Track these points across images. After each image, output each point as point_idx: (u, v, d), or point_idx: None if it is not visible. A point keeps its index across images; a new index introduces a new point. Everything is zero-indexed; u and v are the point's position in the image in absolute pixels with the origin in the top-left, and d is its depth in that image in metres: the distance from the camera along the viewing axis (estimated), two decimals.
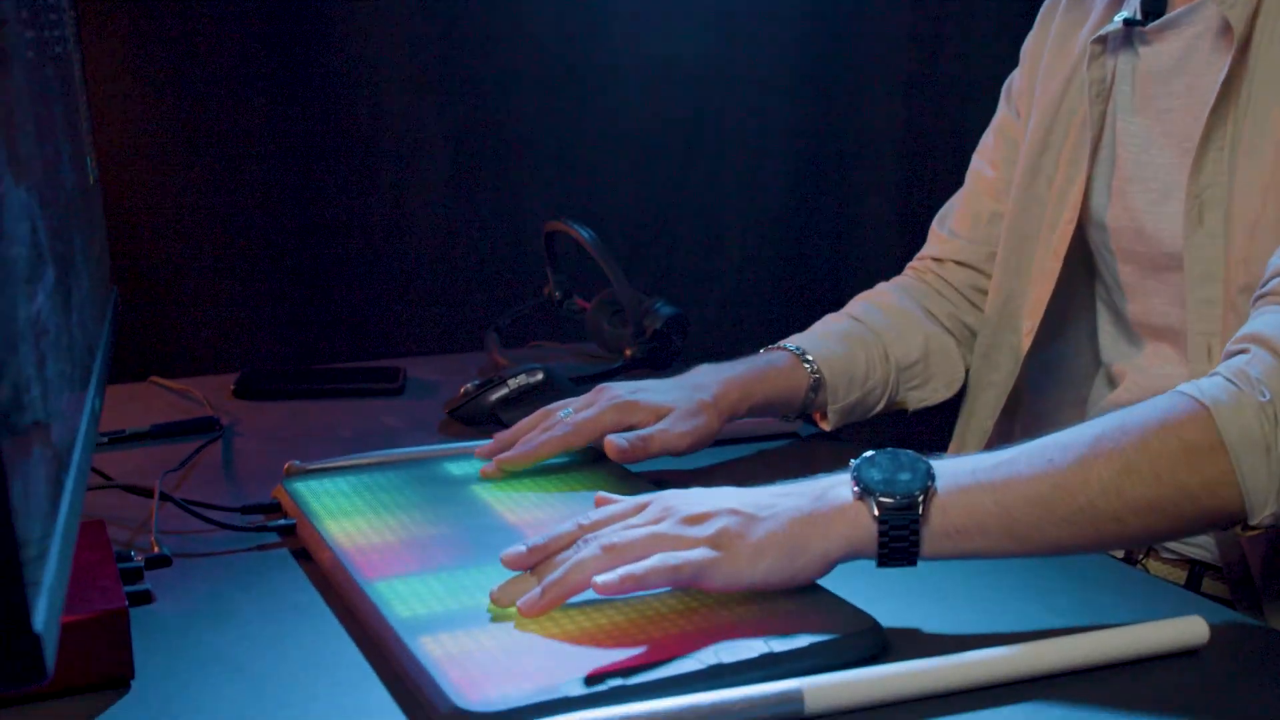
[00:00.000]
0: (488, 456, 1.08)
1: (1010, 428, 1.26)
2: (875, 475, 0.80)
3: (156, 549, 0.91)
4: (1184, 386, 0.81)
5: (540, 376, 1.28)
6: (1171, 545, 1.11)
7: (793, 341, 1.21)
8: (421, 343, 1.69)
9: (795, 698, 0.70)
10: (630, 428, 1.06)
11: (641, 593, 0.80)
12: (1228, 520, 0.80)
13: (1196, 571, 1.09)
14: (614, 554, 0.79)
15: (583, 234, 1.46)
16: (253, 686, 0.76)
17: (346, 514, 0.98)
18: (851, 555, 0.80)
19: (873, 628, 0.79)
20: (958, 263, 1.31)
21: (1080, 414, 1.18)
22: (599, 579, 0.77)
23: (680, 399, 1.09)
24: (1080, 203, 1.13)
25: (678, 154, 1.92)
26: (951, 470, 0.81)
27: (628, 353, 1.46)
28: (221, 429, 1.27)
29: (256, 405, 1.38)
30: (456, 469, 1.09)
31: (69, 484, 0.62)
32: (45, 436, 0.56)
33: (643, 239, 1.91)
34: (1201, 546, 1.09)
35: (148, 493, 1.01)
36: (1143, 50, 1.09)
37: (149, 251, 1.62)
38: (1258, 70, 0.98)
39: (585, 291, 1.57)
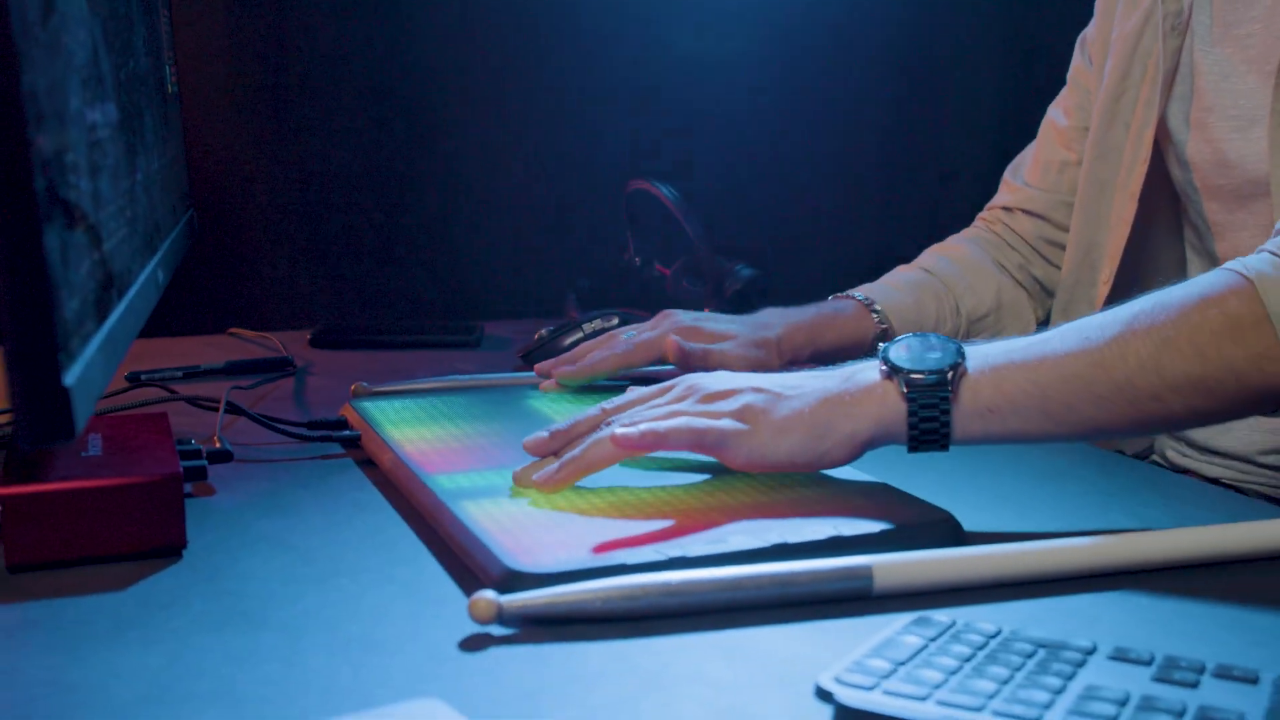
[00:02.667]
0: (548, 373, 1.08)
1: None
2: (904, 355, 0.78)
3: (219, 444, 0.90)
4: (1229, 264, 0.77)
5: (615, 321, 1.26)
6: (1259, 488, 1.07)
7: (861, 290, 1.20)
8: (503, 306, 1.68)
9: (864, 574, 0.67)
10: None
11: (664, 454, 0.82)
12: (1274, 399, 0.75)
13: None
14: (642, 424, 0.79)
15: (665, 192, 1.44)
16: (303, 561, 0.74)
17: (411, 425, 0.96)
18: (881, 437, 0.78)
19: (947, 519, 0.75)
20: (1027, 212, 1.28)
21: None
22: (620, 431, 0.77)
23: (744, 331, 1.09)
24: (1153, 140, 1.09)
25: (769, 120, 1.89)
26: (983, 350, 0.78)
27: (706, 312, 1.44)
28: (295, 369, 1.27)
29: (332, 353, 1.38)
30: (519, 394, 1.07)
31: (119, 308, 0.61)
32: (93, 233, 0.55)
33: (729, 205, 1.88)
34: None
35: (214, 405, 1.01)
36: None
37: (232, 207, 1.63)
38: None
39: (665, 257, 1.55)
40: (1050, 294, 1.27)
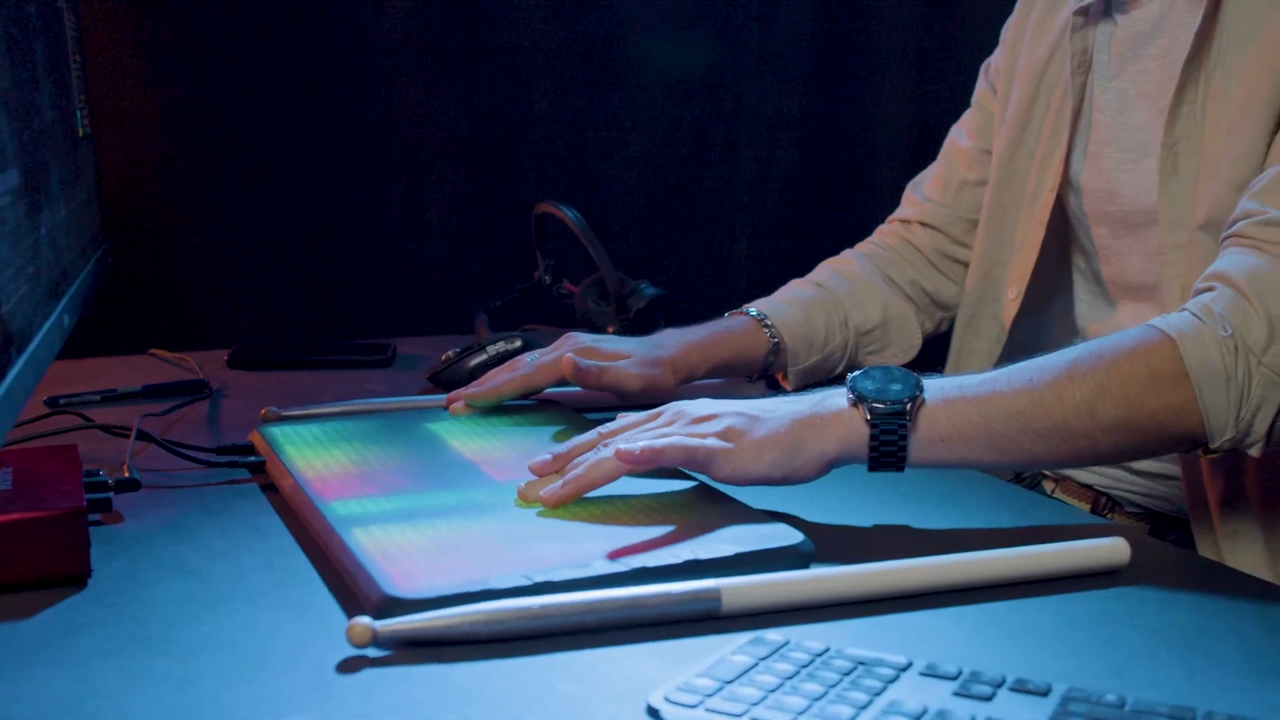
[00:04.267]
0: (455, 398, 1.14)
1: None
2: (869, 385, 0.88)
3: (127, 472, 0.95)
4: (1155, 320, 0.88)
5: (518, 343, 1.32)
6: (1129, 496, 1.14)
7: (755, 306, 1.26)
8: (415, 323, 1.73)
9: (712, 595, 0.73)
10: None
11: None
12: (1190, 442, 0.87)
13: (1159, 525, 1.13)
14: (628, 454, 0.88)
15: (569, 215, 1.50)
16: (203, 585, 0.79)
17: (313, 450, 1.02)
18: (846, 456, 0.87)
19: (800, 542, 0.82)
20: (924, 224, 1.35)
21: None
22: (622, 447, 0.86)
23: (640, 351, 1.15)
24: (1062, 170, 1.17)
25: (686, 146, 1.95)
26: (939, 384, 0.88)
27: (610, 331, 1.50)
28: (210, 391, 1.32)
29: (248, 374, 1.43)
30: (424, 417, 1.13)
31: (18, 363, 0.66)
32: None
33: (646, 229, 1.94)
34: (1162, 498, 1.12)
35: (126, 432, 1.06)
36: (1120, 18, 1.13)
37: (149, 227, 1.67)
38: (1227, 21, 1.01)
39: (575, 275, 1.61)
40: (941, 307, 1.35)
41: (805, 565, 0.81)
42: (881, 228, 1.41)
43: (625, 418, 0.95)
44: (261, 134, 1.72)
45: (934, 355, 1.36)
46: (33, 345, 0.70)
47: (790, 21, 1.95)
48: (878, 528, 0.91)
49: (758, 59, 1.96)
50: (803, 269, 1.38)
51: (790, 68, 1.97)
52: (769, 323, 1.24)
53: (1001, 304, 1.26)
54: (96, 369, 1.42)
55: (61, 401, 1.24)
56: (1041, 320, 1.26)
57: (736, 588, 0.74)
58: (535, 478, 0.92)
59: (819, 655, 0.66)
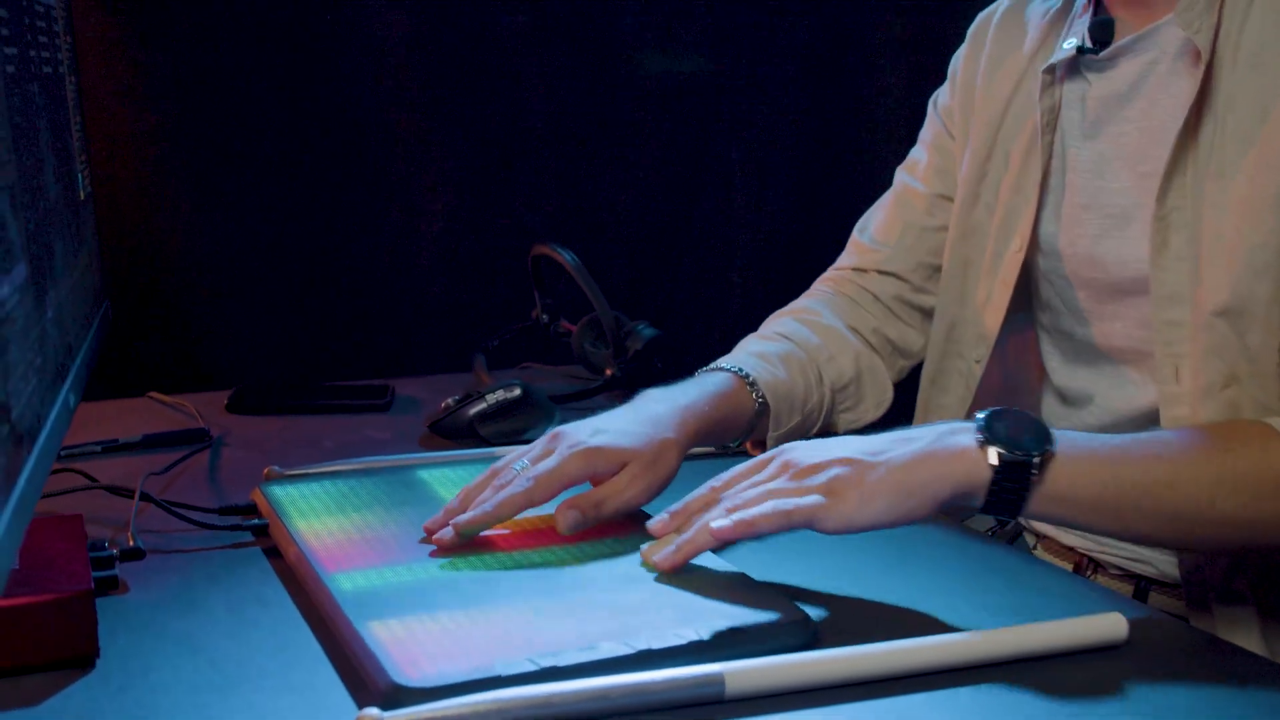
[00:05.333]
0: (440, 526, 0.97)
1: None
2: (1002, 429, 0.86)
3: (132, 542, 0.96)
4: (1274, 421, 0.89)
5: (517, 392, 1.33)
6: (1114, 560, 1.14)
7: (731, 363, 1.16)
8: (413, 363, 1.74)
9: (716, 680, 0.74)
10: (593, 477, 1.00)
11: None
12: None
13: (1143, 586, 1.12)
14: (735, 513, 0.87)
15: (565, 257, 1.51)
16: (210, 666, 0.80)
17: (317, 514, 1.02)
18: (959, 498, 0.86)
19: (803, 620, 0.82)
20: (882, 272, 1.29)
21: None
22: (715, 524, 0.85)
23: (642, 442, 1.01)
24: (1030, 232, 1.14)
25: (683, 178, 1.96)
26: (1069, 440, 0.87)
27: (609, 373, 1.51)
28: (211, 440, 1.32)
29: (247, 419, 1.43)
30: (429, 476, 1.13)
31: (28, 465, 0.67)
32: (2, 416, 0.61)
33: (645, 264, 1.95)
34: (1148, 562, 1.12)
35: (130, 493, 1.06)
36: (1092, 76, 1.10)
37: (150, 270, 1.68)
38: (1221, 91, 0.99)
39: (573, 314, 1.61)
40: (905, 355, 1.29)
41: (809, 641, 0.81)
42: (830, 275, 1.34)
43: (734, 468, 0.93)
44: (258, 176, 1.73)
45: (897, 407, 1.30)
46: (41, 439, 0.71)
47: (786, 73, 1.96)
48: (873, 602, 0.91)
49: (749, 91, 1.97)
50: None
51: (784, 100, 1.98)
52: (752, 380, 1.14)
53: (967, 362, 1.22)
54: (96, 414, 1.42)
55: (62, 454, 1.25)
56: (1010, 375, 1.24)
57: (739, 673, 0.74)
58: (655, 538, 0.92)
59: None
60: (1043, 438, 0.86)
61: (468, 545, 0.96)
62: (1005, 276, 1.17)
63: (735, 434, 1.16)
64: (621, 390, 1.51)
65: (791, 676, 0.76)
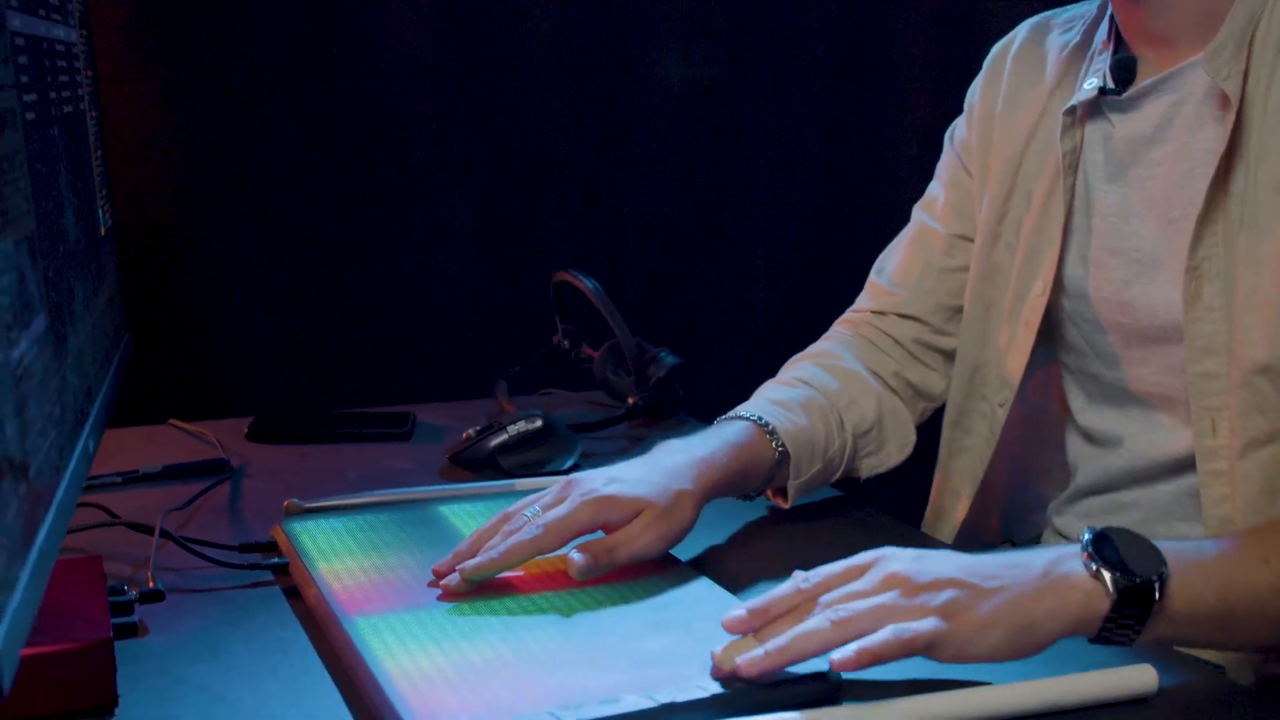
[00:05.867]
0: (448, 570, 0.96)
1: (991, 492, 1.25)
2: (1110, 553, 0.81)
3: (151, 584, 0.95)
4: None
5: (539, 424, 1.32)
6: None
7: (750, 411, 1.13)
8: (435, 389, 1.73)
9: None
10: (605, 525, 0.98)
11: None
12: None
13: None
14: (843, 627, 0.79)
15: (587, 284, 1.50)
16: (229, 715, 0.79)
17: (337, 553, 1.02)
18: (1072, 632, 0.80)
19: (825, 673, 0.81)
20: (901, 315, 1.26)
21: (1066, 475, 1.18)
22: (837, 656, 0.77)
23: (656, 492, 0.99)
24: (1054, 275, 1.12)
25: (702, 201, 1.96)
26: (1177, 554, 0.82)
27: (630, 401, 1.50)
28: (231, 470, 1.32)
29: (268, 448, 1.43)
30: (450, 512, 1.12)
31: (47, 520, 0.66)
32: (20, 474, 0.60)
33: (666, 283, 1.95)
34: None
35: (150, 530, 1.06)
36: (1115, 117, 1.08)
37: (170, 297, 1.68)
38: (1252, 141, 0.97)
39: (595, 341, 1.61)
40: (926, 399, 1.26)
41: (832, 693, 0.80)
42: (848, 317, 1.31)
43: (826, 567, 0.85)
44: (278, 202, 1.73)
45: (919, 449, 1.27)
46: (60, 493, 0.70)
47: (808, 84, 1.95)
48: None
49: (770, 103, 1.97)
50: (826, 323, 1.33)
51: (805, 111, 1.97)
52: (772, 429, 1.11)
53: (990, 404, 1.20)
54: (116, 442, 1.42)
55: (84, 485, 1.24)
56: (1033, 413, 1.22)
57: None
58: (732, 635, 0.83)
59: None
60: (1154, 556, 0.81)
61: (488, 588, 0.95)
62: (1028, 319, 1.15)
63: (755, 484, 1.12)
64: (644, 419, 1.50)
65: None
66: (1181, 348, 1.02)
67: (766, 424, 1.11)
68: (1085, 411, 1.16)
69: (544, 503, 1.00)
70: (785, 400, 1.16)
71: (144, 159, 1.65)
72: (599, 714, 0.75)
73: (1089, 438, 1.15)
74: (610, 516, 0.97)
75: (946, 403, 1.26)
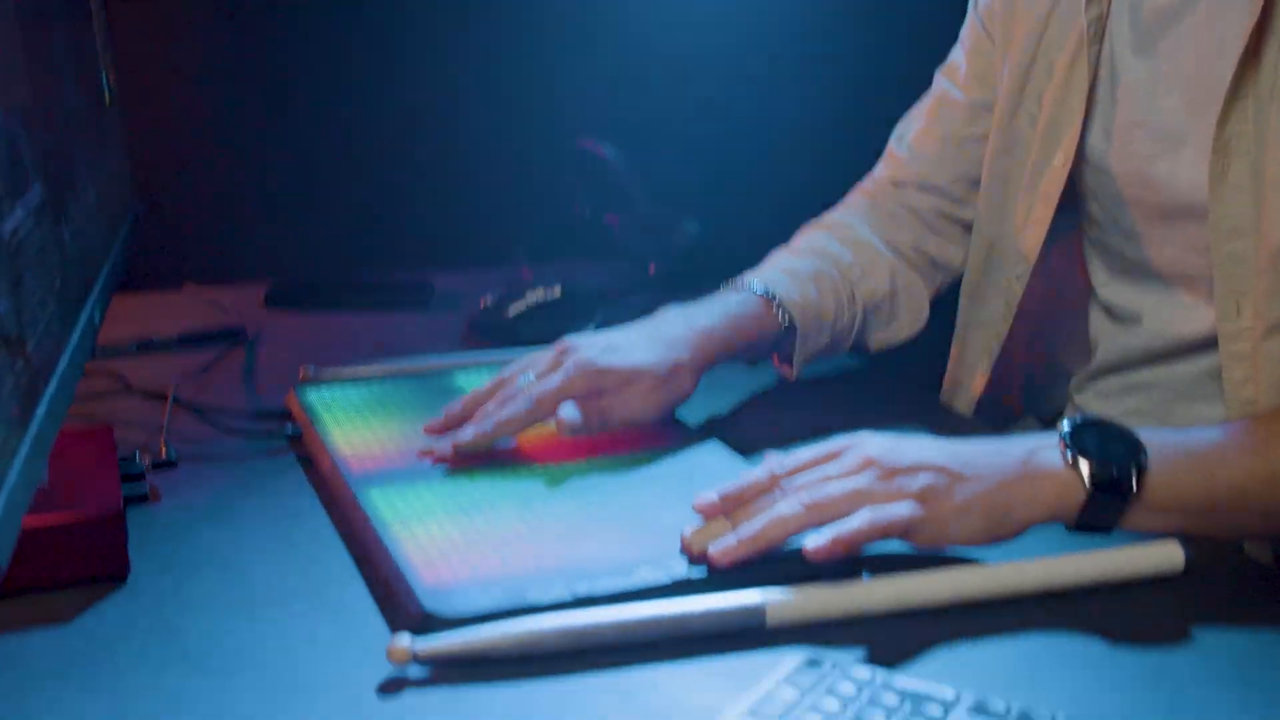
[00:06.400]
0: (439, 432, 0.97)
1: (1011, 365, 1.22)
2: (1088, 443, 0.79)
3: (165, 452, 0.94)
4: None
5: (558, 292, 1.30)
6: None
7: (759, 280, 1.11)
8: (455, 255, 1.70)
9: (757, 611, 0.72)
10: (600, 395, 0.97)
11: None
12: None
13: None
14: (816, 511, 0.77)
15: (606, 151, 1.47)
16: (241, 584, 0.79)
17: (352, 421, 1.01)
18: (1050, 520, 0.79)
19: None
20: (921, 187, 1.22)
21: (1087, 351, 1.16)
22: (810, 545, 0.75)
23: (654, 360, 0.99)
24: (1076, 147, 1.08)
25: (721, 72, 1.91)
26: (1160, 444, 0.80)
27: (651, 270, 1.47)
28: (246, 338, 1.30)
29: (285, 315, 1.41)
30: (466, 381, 1.11)
31: (48, 391, 0.65)
32: (17, 347, 0.59)
33: (690, 156, 1.91)
34: None
35: (163, 397, 1.05)
36: None
37: (188, 159, 1.65)
38: None
39: (618, 207, 1.58)
40: (944, 270, 1.23)
41: (853, 568, 0.79)
42: (866, 187, 1.27)
43: (801, 453, 0.83)
44: (298, 65, 1.69)
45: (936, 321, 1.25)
46: (62, 365, 0.69)
47: None
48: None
49: None
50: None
51: None
52: (780, 301, 1.08)
53: (1007, 279, 1.16)
54: (132, 307, 1.41)
55: (97, 354, 1.24)
56: (1057, 288, 1.18)
57: (781, 604, 0.73)
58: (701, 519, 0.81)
59: (866, 686, 0.65)
60: (1132, 444, 0.79)
61: (500, 455, 0.94)
62: (1047, 192, 1.11)
63: (758, 354, 1.11)
64: (665, 288, 1.48)
65: (834, 606, 0.74)
66: (1206, 227, 0.99)
67: (773, 296, 1.09)
68: (1106, 286, 1.12)
69: (538, 370, 0.99)
70: (795, 270, 1.13)
71: (151, 29, 1.61)
72: (613, 588, 0.74)
73: (1110, 313, 1.12)
74: (604, 388, 0.96)
75: (964, 276, 1.23)
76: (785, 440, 1.01)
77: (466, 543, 0.80)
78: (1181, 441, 0.81)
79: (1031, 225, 1.13)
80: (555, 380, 0.96)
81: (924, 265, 1.23)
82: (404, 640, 0.68)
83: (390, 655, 0.68)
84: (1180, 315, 1.05)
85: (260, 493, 0.93)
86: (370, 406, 1.04)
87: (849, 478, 0.79)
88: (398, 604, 0.75)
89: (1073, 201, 1.13)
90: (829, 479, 0.80)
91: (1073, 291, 1.18)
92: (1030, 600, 0.76)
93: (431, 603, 0.72)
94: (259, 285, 1.48)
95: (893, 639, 0.72)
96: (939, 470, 0.79)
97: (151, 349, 1.27)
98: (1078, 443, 0.79)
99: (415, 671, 0.69)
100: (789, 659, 0.67)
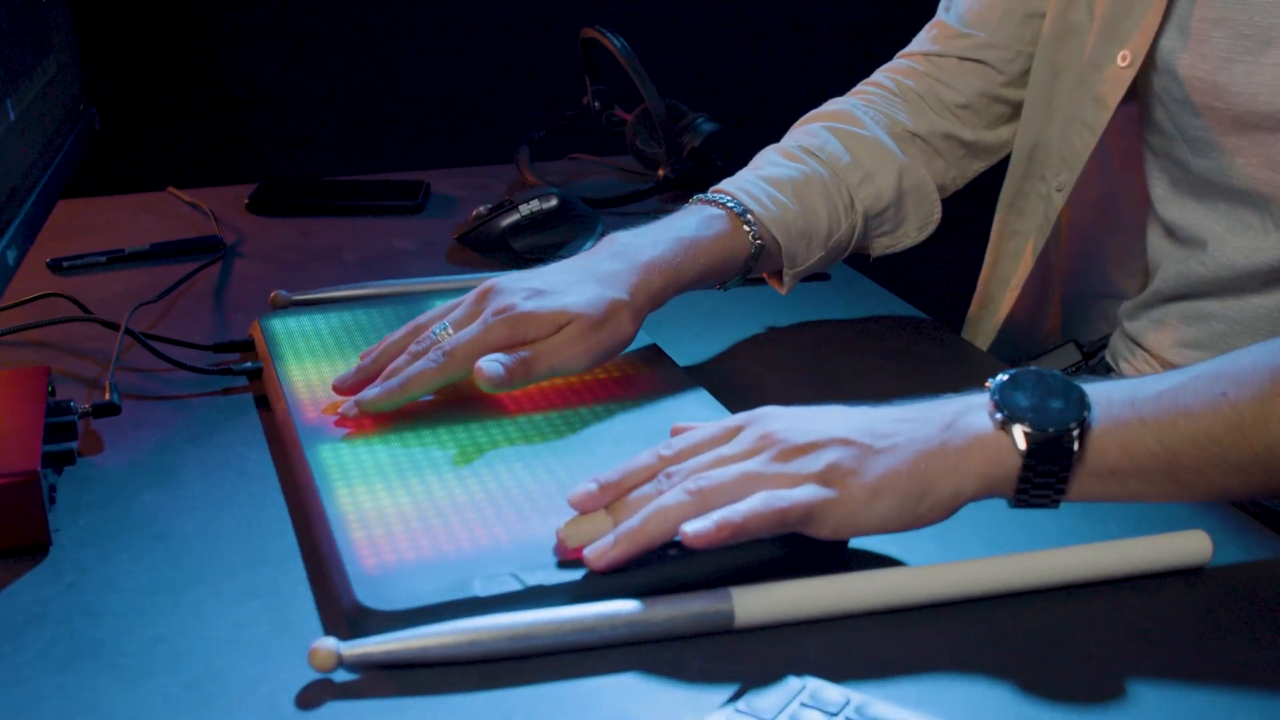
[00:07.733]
0: (348, 392, 0.86)
1: (1050, 281, 1.13)
2: (1022, 400, 0.67)
3: (107, 395, 0.87)
4: None
5: (554, 203, 1.21)
6: None
7: (731, 194, 0.98)
8: (453, 154, 1.62)
9: (725, 612, 0.65)
10: (525, 344, 0.86)
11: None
12: None
13: None
14: (702, 498, 0.67)
15: (614, 42, 1.36)
16: (171, 560, 0.72)
17: (314, 356, 0.93)
18: (985, 494, 0.68)
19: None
20: (967, 59, 1.09)
21: (1143, 273, 1.06)
22: (689, 528, 0.65)
23: (586, 301, 0.87)
24: (1148, 46, 0.96)
25: None
26: (1106, 396, 0.68)
27: (661, 173, 1.38)
28: (224, 249, 1.23)
29: (269, 221, 1.33)
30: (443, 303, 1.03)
31: None
32: None
33: (706, 50, 1.79)
34: None
35: (118, 326, 0.97)
36: None
37: (169, 60, 1.57)
38: None
39: (628, 102, 1.47)
40: (982, 155, 1.11)
41: (838, 554, 0.71)
42: (896, 65, 1.13)
43: (690, 434, 0.73)
44: None
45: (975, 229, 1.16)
46: None
47: None
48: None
49: None
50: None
51: None
52: (750, 219, 0.97)
53: (1048, 187, 1.06)
54: (109, 211, 1.34)
55: (65, 265, 1.17)
56: (1111, 199, 1.08)
57: (751, 604, 0.65)
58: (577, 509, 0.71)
59: (834, 716, 0.57)
60: (1074, 400, 0.67)
61: (467, 399, 0.86)
62: (1103, 94, 1.00)
63: (728, 277, 0.98)
64: (675, 192, 1.38)
65: (809, 605, 0.66)
66: None
67: (743, 212, 0.97)
68: (1167, 202, 1.01)
69: (454, 317, 0.88)
70: (779, 179, 1.01)
71: None
72: (564, 579, 0.67)
73: (1171, 234, 1.01)
74: (528, 333, 0.85)
75: (1004, 181, 1.12)
76: (785, 387, 0.94)
77: (416, 511, 0.73)
78: (1131, 388, 0.69)
79: (1080, 130, 1.01)
80: (472, 330, 0.85)
81: (953, 152, 1.10)
82: (329, 644, 0.61)
83: (313, 660, 0.61)
84: (1249, 241, 0.94)
85: (209, 444, 0.86)
86: (336, 338, 0.97)
87: (743, 460, 0.69)
88: (331, 592, 0.68)
89: (1130, 102, 1.02)
90: (722, 460, 0.69)
91: (1128, 205, 1.07)
92: (1038, 594, 0.69)
93: (366, 595, 0.65)
94: (246, 188, 1.39)
95: (875, 639, 0.65)
96: (845, 444, 0.68)
97: (122, 261, 1.19)
98: (1009, 400, 0.68)
99: (343, 676, 0.62)
100: (750, 674, 0.60)
